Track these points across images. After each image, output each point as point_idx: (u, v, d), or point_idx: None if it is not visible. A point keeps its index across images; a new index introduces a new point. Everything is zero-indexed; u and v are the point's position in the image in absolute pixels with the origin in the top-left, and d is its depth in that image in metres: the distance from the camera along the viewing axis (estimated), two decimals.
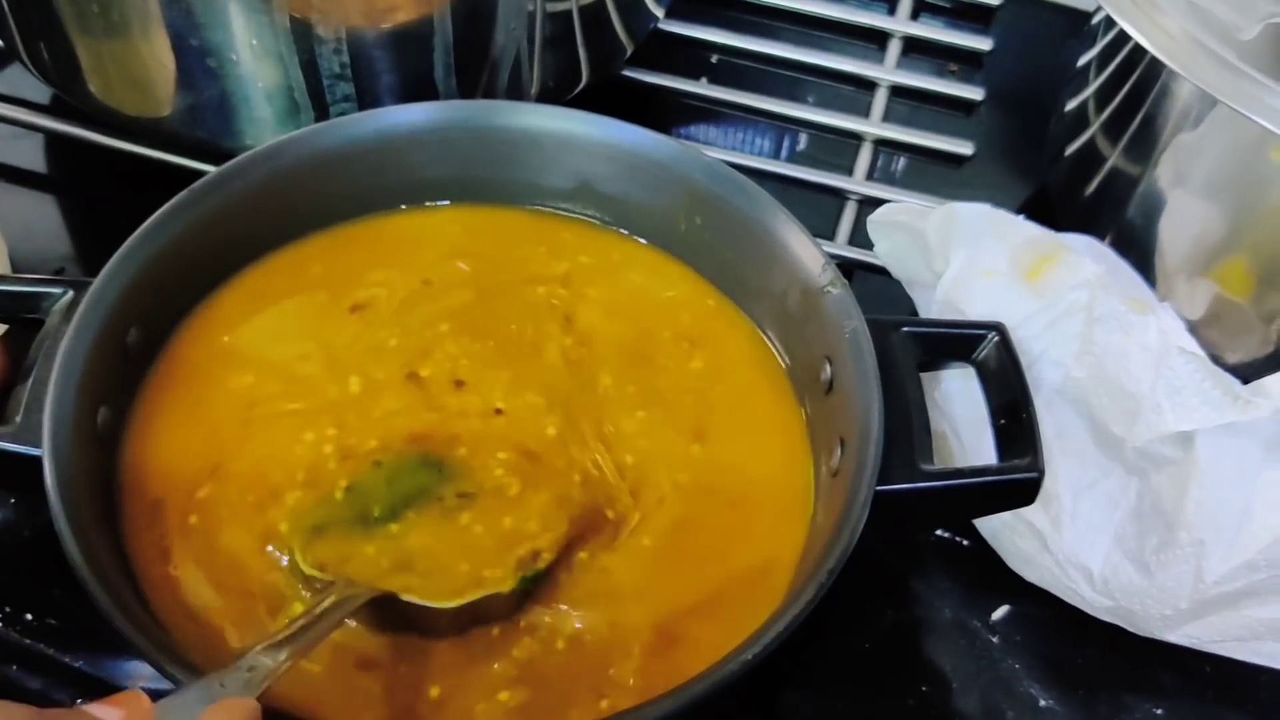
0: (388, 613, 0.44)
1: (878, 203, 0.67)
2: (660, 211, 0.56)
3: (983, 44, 0.78)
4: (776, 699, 0.51)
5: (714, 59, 0.78)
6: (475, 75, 0.62)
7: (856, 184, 0.69)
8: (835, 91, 0.77)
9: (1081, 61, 0.65)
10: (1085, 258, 0.51)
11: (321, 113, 0.60)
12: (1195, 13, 0.54)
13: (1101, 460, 0.50)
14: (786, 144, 0.74)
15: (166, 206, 0.51)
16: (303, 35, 0.57)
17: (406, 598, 0.44)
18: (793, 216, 0.52)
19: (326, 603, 0.42)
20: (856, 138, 0.73)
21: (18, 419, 0.45)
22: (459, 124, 0.55)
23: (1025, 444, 0.47)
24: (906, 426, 0.47)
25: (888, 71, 0.76)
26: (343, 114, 0.59)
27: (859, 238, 0.67)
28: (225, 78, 0.59)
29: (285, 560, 0.46)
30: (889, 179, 0.72)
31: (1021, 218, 0.53)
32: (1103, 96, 0.62)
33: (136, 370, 0.50)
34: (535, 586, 0.46)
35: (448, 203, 0.58)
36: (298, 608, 0.45)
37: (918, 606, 0.54)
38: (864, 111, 0.74)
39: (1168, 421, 0.47)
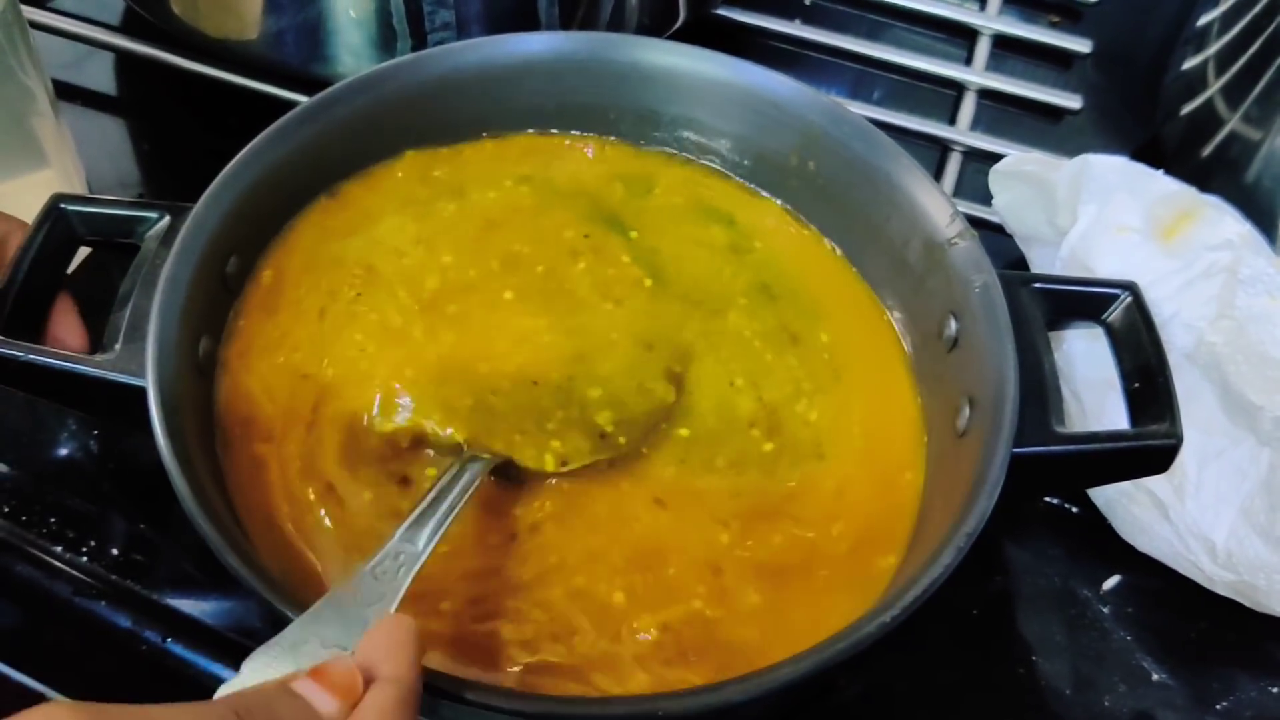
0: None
1: (982, 154, 0.65)
2: (768, 153, 0.54)
3: None
4: (881, 665, 0.50)
5: (807, 0, 0.75)
6: (575, 7, 0.60)
7: (960, 134, 0.67)
8: (928, 39, 0.74)
9: (1202, 21, 0.62)
10: (1227, 216, 0.48)
11: (419, 41, 0.58)
12: None
13: (1231, 429, 0.48)
14: (876, 90, 0.72)
15: (267, 131, 0.49)
16: None
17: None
18: (917, 164, 0.50)
19: (450, 473, 0.42)
20: (957, 87, 0.70)
21: (117, 347, 0.44)
22: (569, 55, 0.53)
23: (1161, 409, 0.45)
24: (1039, 387, 0.45)
25: (991, 19, 0.73)
26: (440, 43, 0.57)
27: (964, 190, 0.64)
28: (321, 1, 0.56)
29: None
30: (989, 130, 0.69)
31: (1160, 172, 0.51)
32: (1226, 57, 0.60)
33: (234, 300, 0.49)
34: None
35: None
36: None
37: (1026, 574, 0.53)
38: (959, 60, 0.72)
39: None
